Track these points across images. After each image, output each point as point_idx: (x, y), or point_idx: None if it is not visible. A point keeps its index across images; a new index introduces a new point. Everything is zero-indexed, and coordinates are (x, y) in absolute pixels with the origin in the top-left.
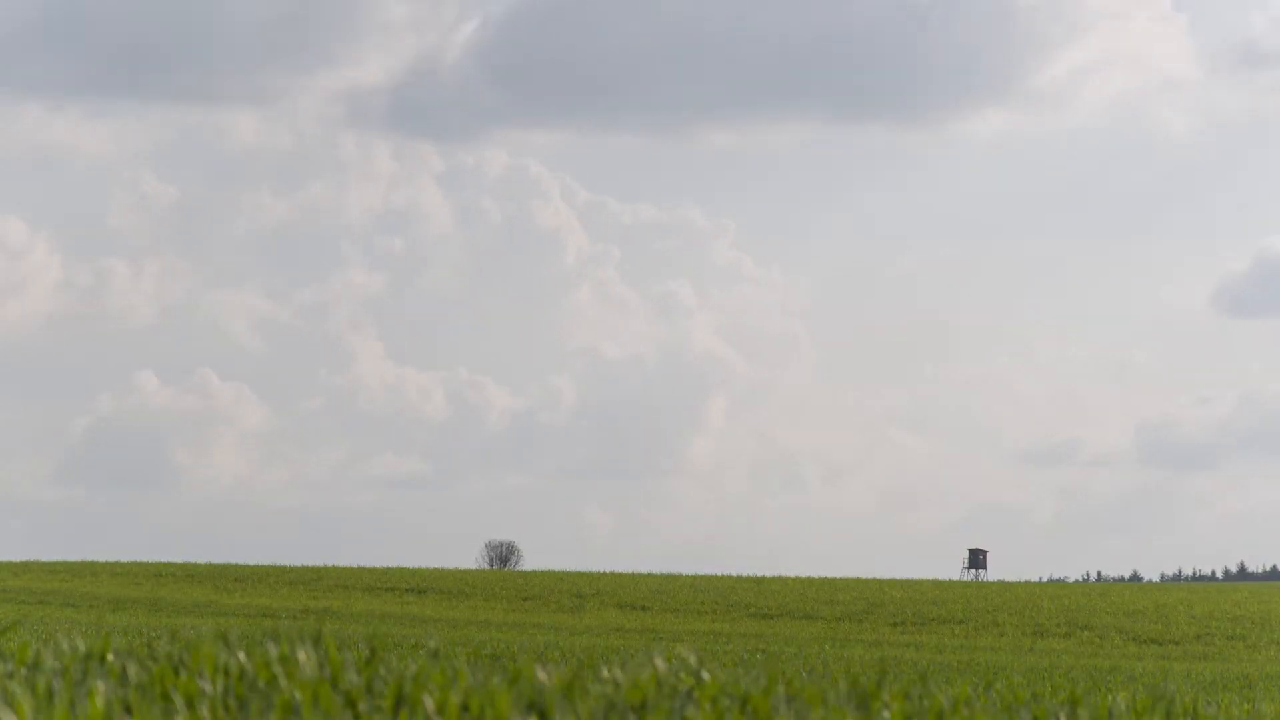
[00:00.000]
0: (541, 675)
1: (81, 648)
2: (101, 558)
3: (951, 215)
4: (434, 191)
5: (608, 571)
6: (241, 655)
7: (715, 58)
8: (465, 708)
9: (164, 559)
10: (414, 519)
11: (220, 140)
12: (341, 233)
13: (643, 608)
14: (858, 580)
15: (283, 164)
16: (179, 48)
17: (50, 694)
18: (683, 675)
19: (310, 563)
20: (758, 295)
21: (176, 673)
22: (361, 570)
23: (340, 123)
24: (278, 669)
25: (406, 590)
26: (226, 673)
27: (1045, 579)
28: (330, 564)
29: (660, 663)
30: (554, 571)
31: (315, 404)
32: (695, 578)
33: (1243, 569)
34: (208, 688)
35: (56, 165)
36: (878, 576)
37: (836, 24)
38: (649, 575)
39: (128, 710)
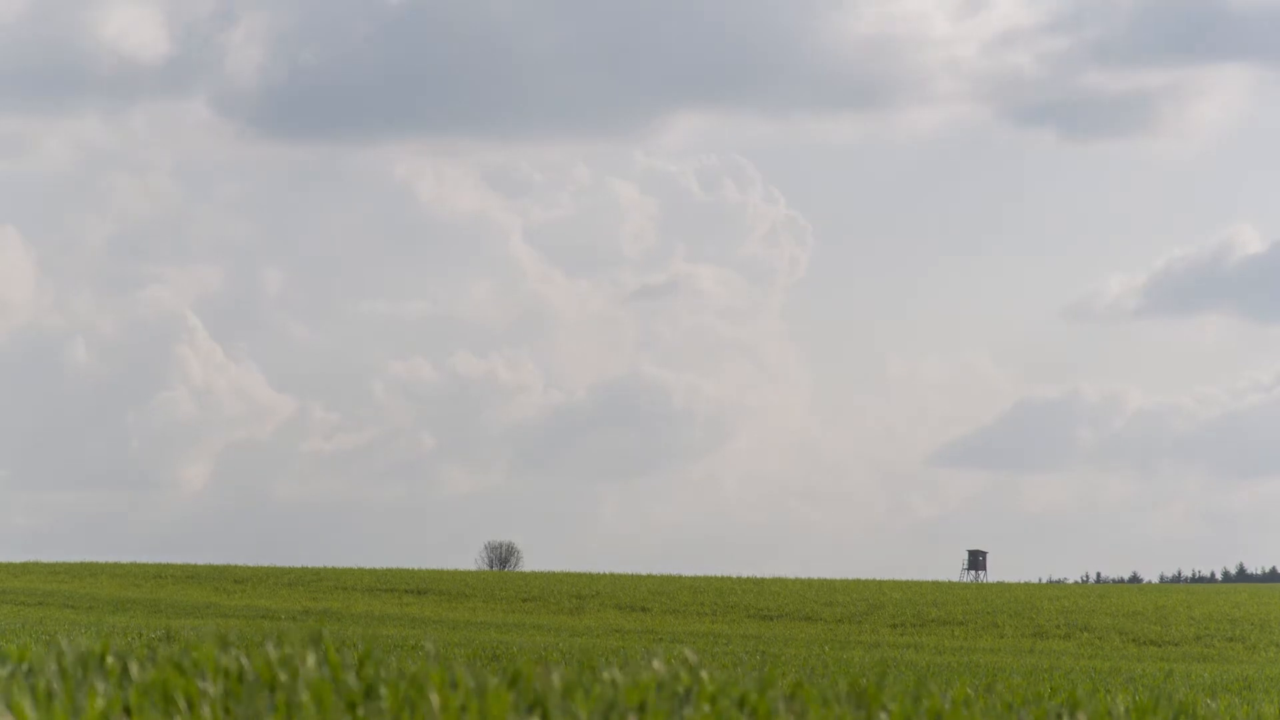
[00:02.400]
0: (549, 676)
1: (81, 649)
2: (101, 559)
3: (899, 209)
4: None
5: (607, 573)
6: (241, 657)
7: (637, 55)
8: (465, 708)
9: (164, 560)
10: (414, 519)
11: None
12: (322, 225)
13: (643, 609)
14: (857, 582)
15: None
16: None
17: (50, 695)
18: (682, 676)
19: (310, 564)
20: (712, 301)
21: (177, 674)
22: (361, 571)
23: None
24: (278, 670)
25: (406, 591)
26: (226, 674)
27: (1044, 580)
28: (330, 565)
29: (660, 664)
30: (554, 573)
31: (314, 402)
32: (695, 579)
33: (1242, 570)
34: (208, 689)
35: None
36: (877, 578)
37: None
38: (649, 576)
39: (127, 711)
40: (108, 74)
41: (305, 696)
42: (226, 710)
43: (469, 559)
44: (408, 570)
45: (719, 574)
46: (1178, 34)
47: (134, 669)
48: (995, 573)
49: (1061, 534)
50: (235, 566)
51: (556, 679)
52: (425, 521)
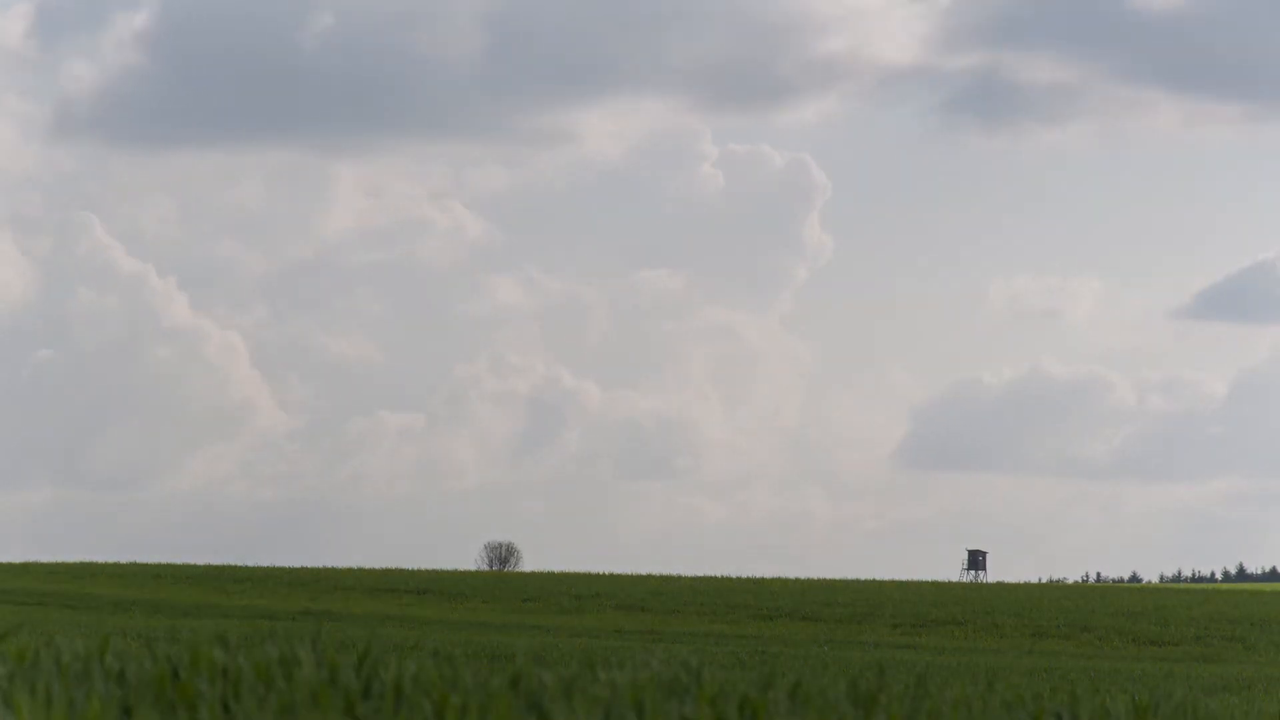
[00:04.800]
0: (544, 676)
1: (81, 649)
2: (101, 559)
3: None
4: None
5: (607, 573)
6: (240, 657)
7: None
8: (465, 709)
9: (163, 560)
10: (414, 519)
11: None
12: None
13: (642, 609)
14: (857, 582)
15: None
16: None
17: (49, 695)
18: (681, 676)
19: (310, 564)
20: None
21: (175, 674)
22: (361, 571)
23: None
24: (276, 671)
25: (406, 592)
26: (225, 674)
27: (1044, 580)
28: (330, 565)
29: (659, 664)
30: (553, 573)
31: (312, 401)
32: (695, 579)
33: (1242, 570)
34: (206, 689)
35: None
36: (877, 578)
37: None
38: (648, 576)
39: (126, 712)
40: None
41: (303, 697)
42: (225, 710)
43: (469, 559)
44: (408, 570)
45: (719, 574)
46: (1089, 26)
47: (133, 670)
48: (995, 573)
49: (1062, 534)
50: (235, 566)
51: (556, 679)
52: (425, 521)
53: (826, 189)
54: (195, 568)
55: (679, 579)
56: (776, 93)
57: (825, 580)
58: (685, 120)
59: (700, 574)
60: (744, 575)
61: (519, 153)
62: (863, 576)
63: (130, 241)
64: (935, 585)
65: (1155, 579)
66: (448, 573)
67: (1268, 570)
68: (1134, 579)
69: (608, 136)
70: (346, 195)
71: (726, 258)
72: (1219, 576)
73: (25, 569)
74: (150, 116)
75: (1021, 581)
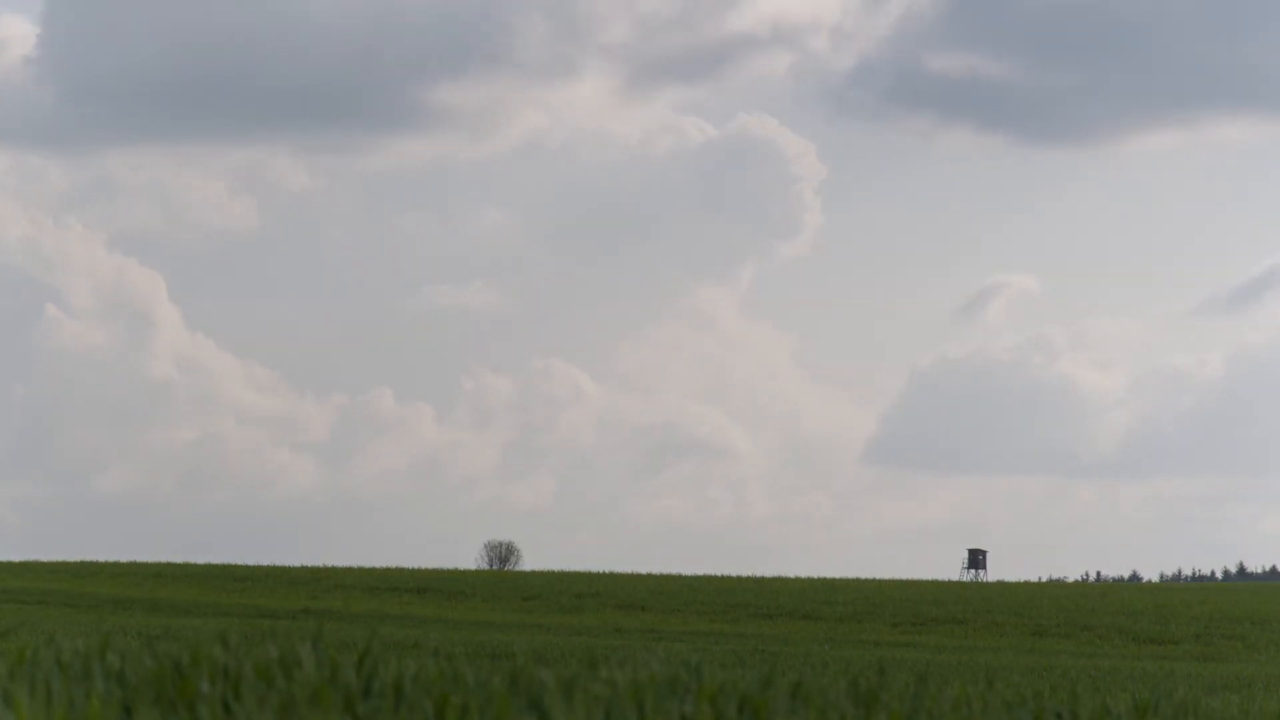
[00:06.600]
0: (545, 675)
1: (81, 648)
2: (101, 558)
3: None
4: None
5: (607, 572)
6: (241, 656)
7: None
8: (465, 708)
9: (164, 559)
10: (414, 518)
11: None
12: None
13: (642, 608)
14: (857, 581)
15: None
16: None
17: (49, 694)
18: (682, 675)
19: (310, 563)
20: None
21: (176, 673)
22: (361, 570)
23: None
24: (277, 669)
25: (406, 591)
26: (225, 673)
27: (1044, 579)
28: (330, 564)
29: (659, 663)
30: (553, 572)
31: (311, 401)
32: (695, 578)
33: (1242, 569)
34: (206, 688)
35: None
36: (877, 577)
37: None
38: (648, 575)
39: (126, 711)
40: None
41: (303, 696)
42: (225, 709)
43: (469, 558)
44: (408, 569)
45: (719, 573)
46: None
47: (133, 669)
48: (995, 571)
49: (1062, 533)
50: (235, 566)
51: (556, 678)
52: (425, 520)
53: (799, 166)
54: (195, 567)
55: (679, 578)
56: (718, 66)
57: (825, 579)
58: (621, 99)
59: (700, 573)
60: (744, 575)
61: (442, 138)
62: (863, 576)
63: (110, 239)
64: (935, 584)
65: (1155, 578)
66: (448, 572)
67: (1268, 569)
68: (1134, 578)
69: (546, 118)
70: (283, 189)
71: (698, 240)
72: (1219, 575)
73: (25, 568)
74: (49, 117)
75: (1021, 580)
